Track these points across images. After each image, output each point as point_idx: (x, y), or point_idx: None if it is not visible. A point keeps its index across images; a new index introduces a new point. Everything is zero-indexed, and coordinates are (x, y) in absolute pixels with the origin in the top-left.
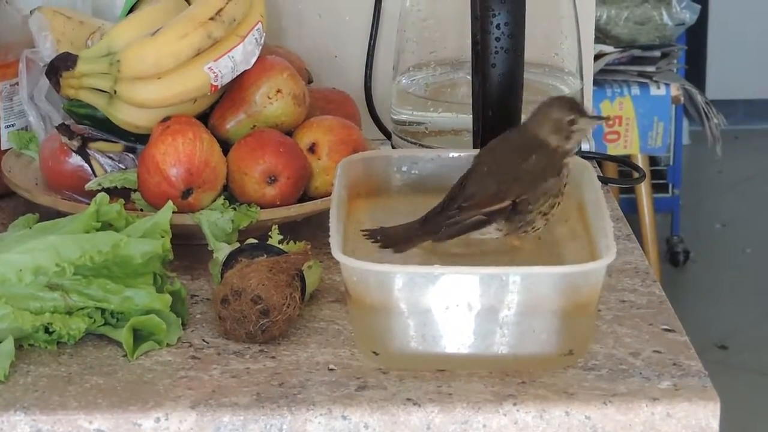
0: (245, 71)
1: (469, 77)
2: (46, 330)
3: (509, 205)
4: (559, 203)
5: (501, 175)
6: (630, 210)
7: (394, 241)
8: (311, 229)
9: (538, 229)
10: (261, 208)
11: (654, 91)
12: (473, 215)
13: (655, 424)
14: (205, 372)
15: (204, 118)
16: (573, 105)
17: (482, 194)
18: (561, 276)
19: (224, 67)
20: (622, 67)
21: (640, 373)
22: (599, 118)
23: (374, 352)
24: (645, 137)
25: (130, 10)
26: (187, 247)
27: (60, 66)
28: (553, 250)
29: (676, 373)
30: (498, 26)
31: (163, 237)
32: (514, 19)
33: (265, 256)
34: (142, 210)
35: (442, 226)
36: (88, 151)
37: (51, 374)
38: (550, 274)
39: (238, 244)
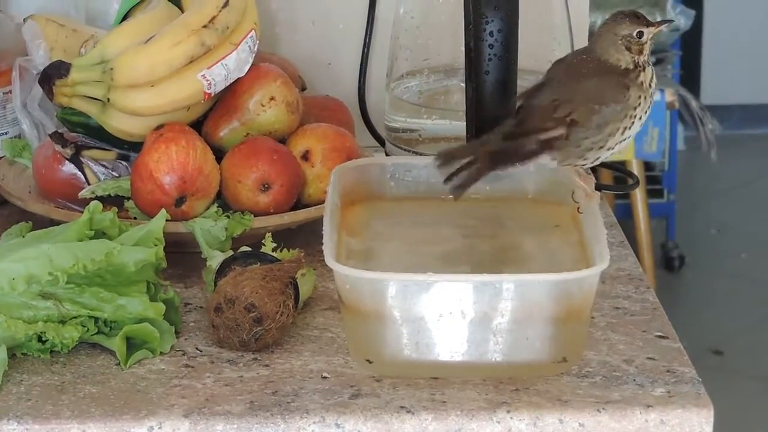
0: (238, 79)
1: (463, 84)
2: (39, 339)
3: (561, 134)
4: (626, 128)
5: (558, 96)
6: (625, 215)
7: (458, 183)
8: (305, 237)
9: (596, 160)
10: (254, 216)
11: None
12: (526, 144)
13: (649, 431)
14: (198, 380)
15: (197, 125)
16: (636, 16)
17: (536, 118)
18: (554, 283)
19: (217, 74)
20: None
21: (634, 380)
22: (664, 21)
23: (368, 360)
24: (640, 143)
25: (123, 18)
26: (181, 255)
27: (53, 74)
28: (547, 256)
29: (670, 380)
30: (491, 33)
31: (156, 245)
32: (508, 26)
33: (259, 264)
34: (135, 218)
35: (497, 156)
36: (81, 159)
37: (44, 383)
38: (543, 281)
39: (231, 252)
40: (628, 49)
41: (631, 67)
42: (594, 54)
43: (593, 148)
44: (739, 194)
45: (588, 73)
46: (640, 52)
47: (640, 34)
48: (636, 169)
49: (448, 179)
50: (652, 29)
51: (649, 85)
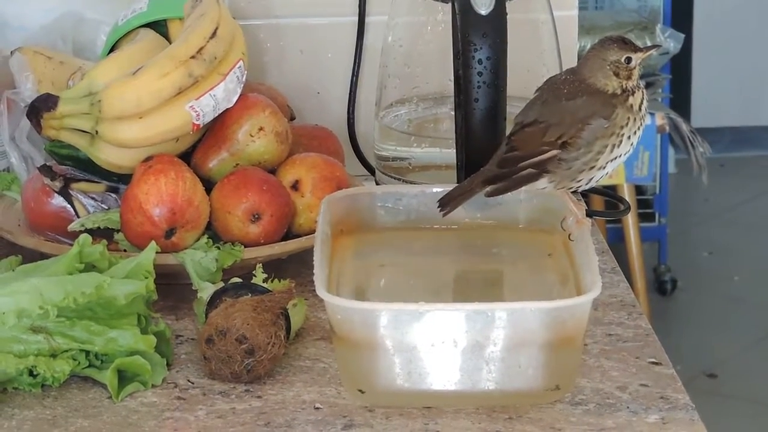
0: (227, 109)
1: (452, 112)
2: (31, 373)
3: (554, 156)
4: (614, 146)
5: (546, 118)
6: (617, 239)
7: (448, 198)
8: (296, 267)
9: (589, 181)
10: (245, 247)
11: None
12: (521, 169)
13: None
14: (190, 413)
15: (186, 156)
16: (624, 42)
17: (528, 143)
18: (547, 311)
19: (206, 105)
20: None
21: (628, 407)
22: (652, 47)
23: (360, 390)
24: (631, 167)
25: (111, 50)
26: (171, 287)
27: (41, 107)
28: (539, 284)
29: (664, 406)
30: (480, 61)
31: (146, 277)
32: (496, 54)
33: (250, 295)
34: (125, 250)
35: (493, 179)
36: (70, 191)
37: (36, 417)
38: (535, 309)
39: (222, 284)
40: (616, 74)
41: (619, 92)
42: (581, 77)
43: (585, 169)
44: (730, 217)
45: (575, 95)
46: (629, 77)
47: (629, 60)
48: (627, 193)
49: (441, 200)
50: (640, 55)
51: (639, 108)
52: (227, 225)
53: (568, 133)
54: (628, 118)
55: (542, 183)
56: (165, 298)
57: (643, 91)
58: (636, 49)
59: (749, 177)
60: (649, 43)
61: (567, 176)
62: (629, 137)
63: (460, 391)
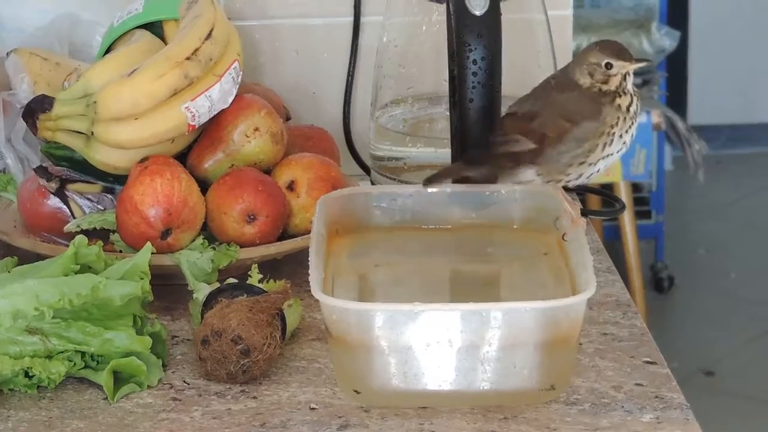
0: (222, 110)
1: (447, 112)
2: (26, 374)
3: (536, 147)
4: (605, 145)
5: (533, 111)
6: (613, 237)
7: (433, 176)
8: (291, 267)
9: (579, 176)
10: (240, 247)
11: None
12: (502, 155)
13: None
14: (186, 414)
15: (182, 157)
16: (612, 49)
17: (510, 129)
18: (542, 311)
19: (201, 106)
20: None
21: (623, 407)
22: (639, 60)
23: (355, 391)
24: (627, 164)
25: (107, 51)
26: (167, 288)
27: (36, 108)
28: (534, 284)
29: (659, 405)
30: (475, 61)
31: (142, 278)
32: (491, 54)
33: (245, 295)
34: (121, 251)
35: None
36: (66, 192)
37: (31, 419)
38: (530, 309)
39: (218, 284)
40: (591, 75)
41: (604, 91)
42: (568, 74)
43: (573, 163)
44: (727, 214)
45: (562, 91)
46: (605, 82)
47: (609, 66)
48: (624, 190)
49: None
50: (623, 63)
51: (627, 109)
52: (223, 225)
53: (549, 126)
54: (618, 117)
55: (530, 175)
56: (160, 299)
57: (632, 96)
58: (621, 58)
59: (745, 174)
60: (645, 42)
61: (555, 170)
62: (621, 136)
63: (456, 391)
